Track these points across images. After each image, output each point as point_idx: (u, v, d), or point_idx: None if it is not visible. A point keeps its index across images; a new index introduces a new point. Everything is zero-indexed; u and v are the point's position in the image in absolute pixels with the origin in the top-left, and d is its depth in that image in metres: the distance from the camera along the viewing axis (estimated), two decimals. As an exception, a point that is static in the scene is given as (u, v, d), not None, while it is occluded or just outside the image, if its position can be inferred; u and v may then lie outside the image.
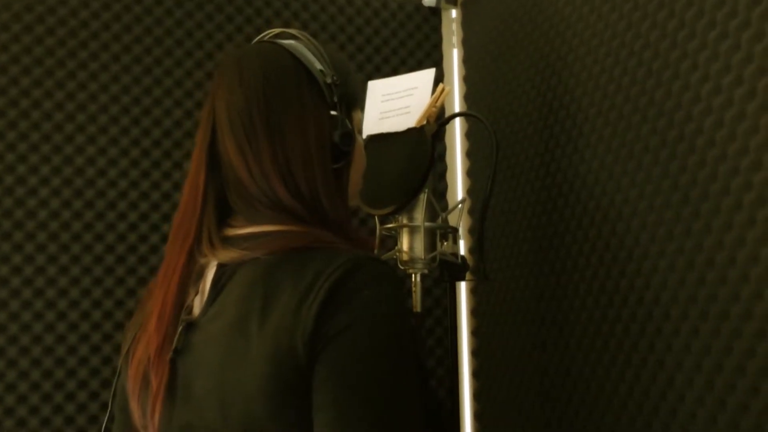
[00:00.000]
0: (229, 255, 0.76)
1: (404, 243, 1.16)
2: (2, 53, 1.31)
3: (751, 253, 0.83)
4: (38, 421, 1.27)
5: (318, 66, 0.81)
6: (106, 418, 0.85)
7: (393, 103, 1.24)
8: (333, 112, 0.81)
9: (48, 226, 1.31)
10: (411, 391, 0.68)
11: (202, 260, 0.78)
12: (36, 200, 1.30)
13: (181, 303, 0.77)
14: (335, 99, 0.81)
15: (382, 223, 1.21)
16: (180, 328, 0.75)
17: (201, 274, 0.78)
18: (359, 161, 0.88)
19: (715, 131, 0.89)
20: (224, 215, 0.81)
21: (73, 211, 1.32)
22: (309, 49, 0.82)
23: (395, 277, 0.73)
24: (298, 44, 0.83)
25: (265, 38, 0.87)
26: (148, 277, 1.36)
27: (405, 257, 1.15)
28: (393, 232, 1.19)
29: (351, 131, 0.82)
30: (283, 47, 0.82)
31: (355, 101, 0.88)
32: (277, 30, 0.89)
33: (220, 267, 0.77)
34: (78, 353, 1.30)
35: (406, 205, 1.14)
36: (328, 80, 0.81)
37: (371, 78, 1.39)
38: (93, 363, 1.31)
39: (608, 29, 1.11)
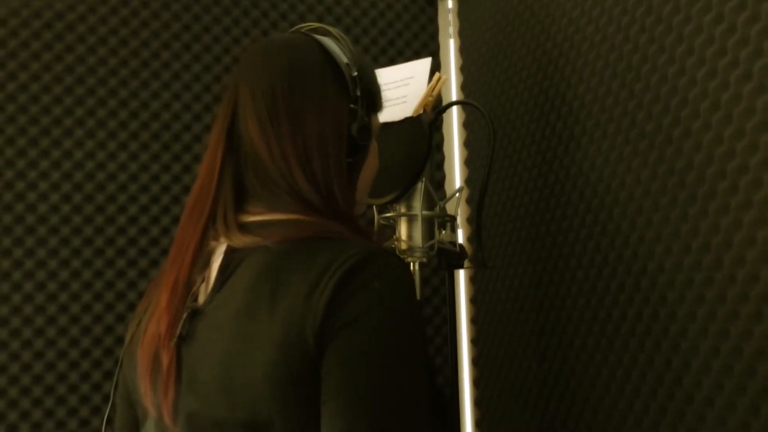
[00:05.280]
0: (243, 240, 0.75)
1: (402, 232, 1.17)
2: (10, 61, 1.32)
3: (747, 235, 0.84)
4: (42, 412, 1.28)
5: (344, 60, 0.82)
6: (108, 407, 0.84)
7: (390, 93, 1.24)
8: (353, 106, 0.81)
9: (59, 229, 1.32)
10: (419, 381, 0.68)
11: (213, 243, 0.78)
12: (47, 205, 1.32)
13: (193, 282, 0.77)
14: (357, 93, 0.82)
15: (380, 212, 1.22)
16: (184, 315, 0.75)
17: (207, 262, 0.78)
18: (372, 162, 0.88)
19: (723, 127, 0.87)
20: (241, 201, 0.80)
21: (84, 214, 1.34)
22: (339, 46, 0.83)
23: (406, 269, 0.73)
24: (328, 39, 0.84)
25: (298, 30, 0.88)
26: (148, 271, 1.37)
27: (403, 246, 1.16)
28: (391, 221, 1.20)
29: (369, 126, 0.83)
30: (312, 38, 0.83)
31: (376, 106, 0.89)
32: (313, 24, 0.90)
33: (228, 254, 0.76)
34: (80, 345, 1.31)
35: (404, 194, 1.14)
36: (354, 73, 0.81)
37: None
38: (95, 355, 1.32)
39: (603, 16, 1.11)
